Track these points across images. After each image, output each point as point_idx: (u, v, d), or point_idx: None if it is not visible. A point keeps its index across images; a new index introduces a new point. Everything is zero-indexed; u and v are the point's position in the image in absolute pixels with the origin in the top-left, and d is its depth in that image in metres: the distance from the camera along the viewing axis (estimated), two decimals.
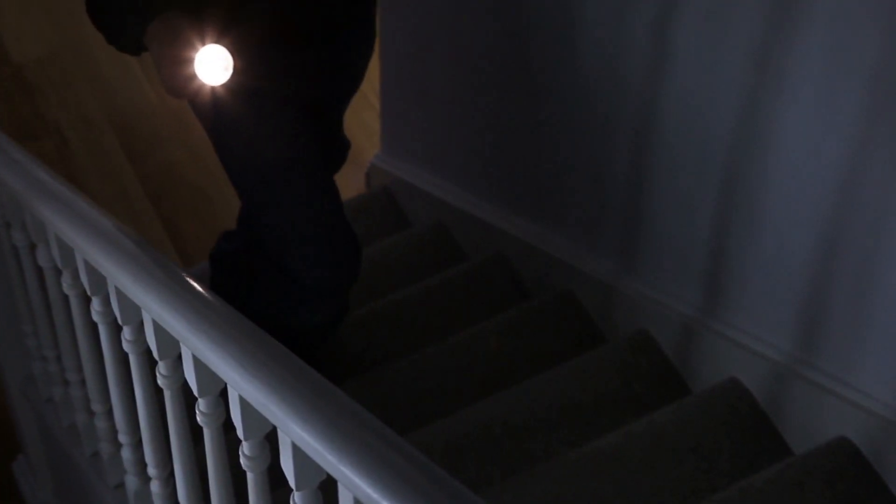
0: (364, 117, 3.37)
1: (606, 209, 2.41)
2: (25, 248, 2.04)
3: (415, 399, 2.39)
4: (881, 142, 1.83)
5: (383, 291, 2.67)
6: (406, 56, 2.76)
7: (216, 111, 1.85)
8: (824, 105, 1.88)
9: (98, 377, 1.98)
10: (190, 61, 1.53)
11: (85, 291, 1.79)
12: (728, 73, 2.01)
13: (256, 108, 1.87)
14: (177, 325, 1.46)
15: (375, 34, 2.11)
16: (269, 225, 2.05)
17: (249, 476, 1.48)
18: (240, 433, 1.43)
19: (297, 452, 1.31)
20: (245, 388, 1.36)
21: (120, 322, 1.69)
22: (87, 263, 1.70)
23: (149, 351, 1.63)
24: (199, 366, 1.47)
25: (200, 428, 1.56)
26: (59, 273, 1.88)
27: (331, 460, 1.24)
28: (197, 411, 1.54)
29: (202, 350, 1.42)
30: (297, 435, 1.28)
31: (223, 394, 1.47)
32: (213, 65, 1.52)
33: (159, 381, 1.62)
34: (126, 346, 1.71)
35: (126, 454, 1.97)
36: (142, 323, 1.60)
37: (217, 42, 1.53)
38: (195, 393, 1.52)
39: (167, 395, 1.64)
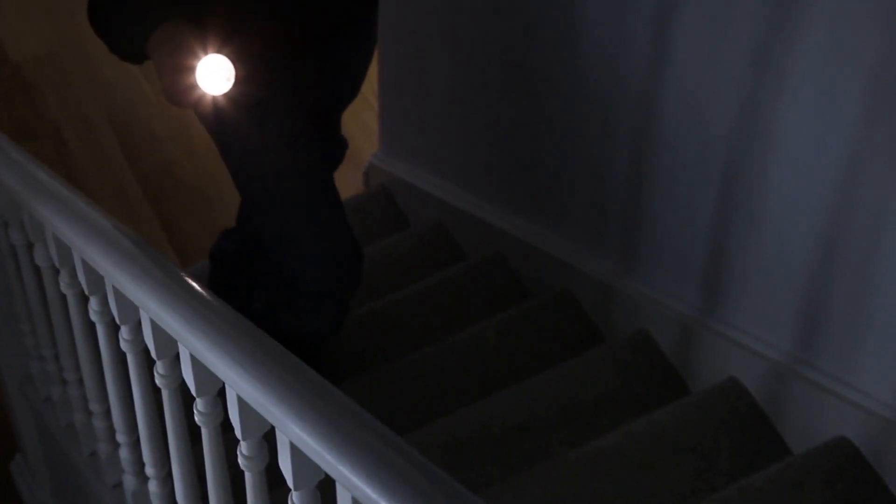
0: (363, 117, 3.37)
1: (606, 209, 2.41)
2: (23, 248, 2.03)
3: (414, 399, 2.38)
4: (881, 141, 1.83)
5: (382, 291, 2.67)
6: (405, 55, 2.76)
7: (218, 119, 1.85)
8: (824, 105, 1.88)
9: (96, 376, 1.98)
10: (192, 70, 1.53)
11: (83, 291, 1.79)
12: (728, 72, 2.01)
13: (258, 117, 1.87)
14: (175, 325, 1.46)
15: (376, 40, 2.11)
16: (270, 229, 2.05)
17: (247, 476, 1.47)
18: (238, 433, 1.43)
19: (296, 452, 1.31)
20: (243, 388, 1.36)
21: (118, 321, 1.69)
22: (84, 263, 1.70)
23: (147, 350, 1.63)
24: (197, 365, 1.46)
25: (198, 427, 1.56)
26: (56, 272, 1.88)
27: (329, 460, 1.24)
28: (195, 411, 1.54)
29: (200, 349, 1.42)
30: (295, 435, 1.28)
31: (221, 393, 1.47)
32: (214, 74, 1.52)
33: (157, 381, 1.62)
34: (124, 346, 1.71)
35: (124, 454, 1.97)
36: (140, 322, 1.60)
37: (219, 51, 1.53)
38: (193, 392, 1.51)
39: (165, 394, 1.64)
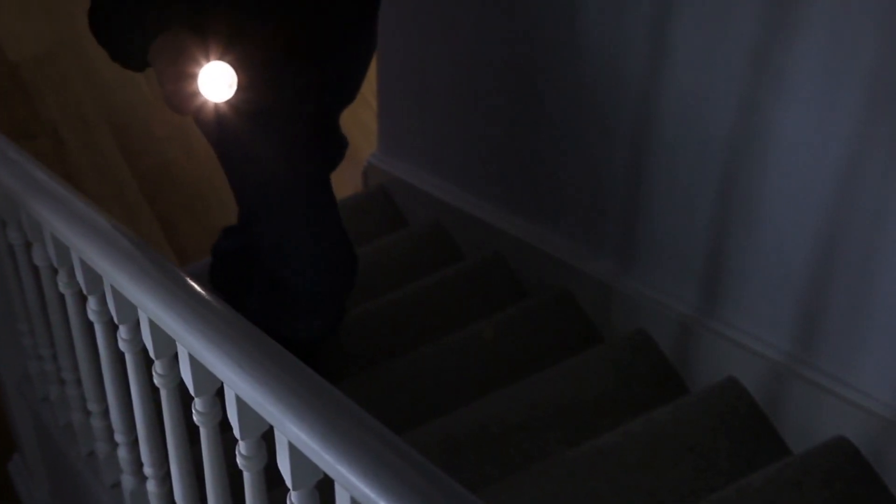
0: (361, 116, 3.37)
1: (605, 209, 2.41)
2: (21, 247, 2.03)
3: (412, 398, 2.38)
4: (881, 141, 1.82)
5: (380, 291, 2.66)
6: (404, 55, 2.76)
7: (219, 126, 1.85)
8: (823, 105, 1.88)
9: (94, 376, 1.97)
10: (193, 78, 1.52)
11: (81, 290, 1.78)
12: (727, 72, 2.01)
13: (259, 124, 1.87)
14: (173, 324, 1.46)
15: (376, 44, 2.10)
16: (269, 237, 2.05)
17: (246, 475, 1.47)
18: (236, 432, 1.42)
19: (294, 452, 1.31)
20: (242, 388, 1.35)
21: (116, 321, 1.69)
22: (83, 262, 1.70)
23: (145, 350, 1.62)
24: (196, 365, 1.46)
25: (197, 427, 1.56)
26: (55, 272, 1.88)
27: (328, 460, 1.24)
28: (193, 410, 1.53)
29: (198, 349, 1.42)
30: (293, 434, 1.28)
31: (220, 393, 1.47)
32: (216, 82, 1.51)
33: (155, 381, 1.62)
34: (122, 346, 1.71)
35: (122, 453, 1.97)
36: (138, 322, 1.60)
37: (221, 58, 1.53)
38: (191, 392, 1.51)
39: (163, 394, 1.63)
